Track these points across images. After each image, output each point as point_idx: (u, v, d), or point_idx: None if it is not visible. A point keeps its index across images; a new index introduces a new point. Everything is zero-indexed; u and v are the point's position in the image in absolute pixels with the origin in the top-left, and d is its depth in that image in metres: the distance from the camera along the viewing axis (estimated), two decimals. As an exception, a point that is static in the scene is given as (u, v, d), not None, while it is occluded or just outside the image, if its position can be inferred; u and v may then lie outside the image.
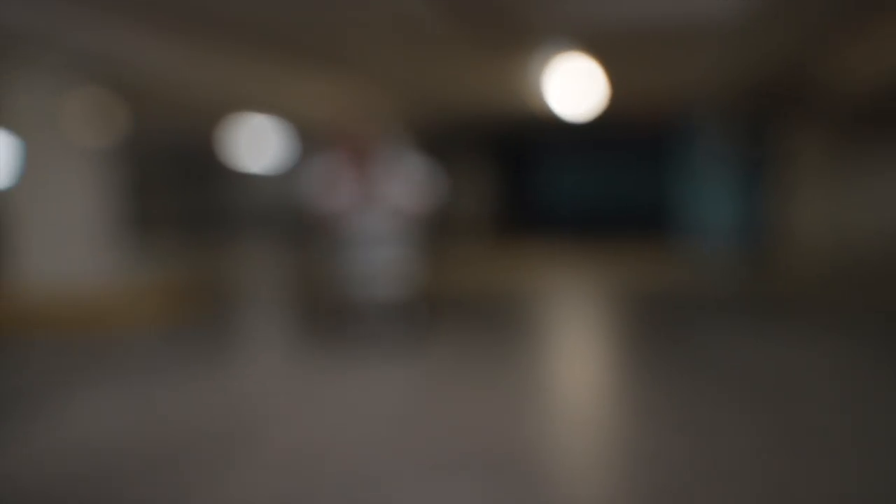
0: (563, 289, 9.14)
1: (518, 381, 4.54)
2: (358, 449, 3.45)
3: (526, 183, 18.03)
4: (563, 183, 17.81)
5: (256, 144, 16.87)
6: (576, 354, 5.46)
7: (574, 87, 10.14)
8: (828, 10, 7.46)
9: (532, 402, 4.15)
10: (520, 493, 2.86)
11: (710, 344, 5.40)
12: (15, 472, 3.31)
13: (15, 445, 3.65)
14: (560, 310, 7.65)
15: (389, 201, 5.03)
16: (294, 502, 2.86)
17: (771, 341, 5.41)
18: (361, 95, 10.97)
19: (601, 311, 7.49)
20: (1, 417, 4.15)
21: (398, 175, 5.23)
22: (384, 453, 3.35)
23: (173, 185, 18.38)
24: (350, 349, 4.98)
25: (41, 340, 6.16)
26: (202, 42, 7.55)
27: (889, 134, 11.48)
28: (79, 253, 6.77)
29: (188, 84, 9.03)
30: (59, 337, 6.27)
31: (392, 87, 11.07)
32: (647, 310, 7.11)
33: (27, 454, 3.53)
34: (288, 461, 3.31)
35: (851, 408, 3.83)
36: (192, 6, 6.49)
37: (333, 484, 3.04)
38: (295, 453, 3.41)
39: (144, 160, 16.32)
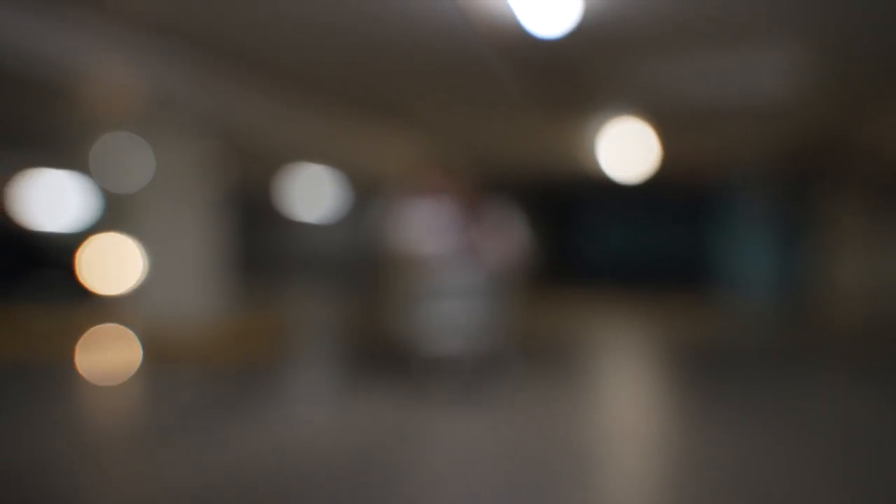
0: (616, 338, 9.76)
1: (598, 426, 5.14)
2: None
3: (576, 238, 18.84)
4: (611, 239, 18.59)
5: (313, 192, 17.87)
6: (637, 398, 6.07)
7: (628, 151, 10.99)
8: (869, 85, 8.24)
9: (608, 437, 4.83)
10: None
11: (761, 392, 6.00)
12: (247, 464, 4.00)
13: (237, 445, 4.32)
14: (618, 358, 8.25)
15: (490, 253, 5.02)
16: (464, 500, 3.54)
17: (808, 387, 6.02)
18: (426, 149, 11.90)
19: (655, 359, 8.07)
20: (205, 425, 4.86)
21: (500, 227, 5.22)
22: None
23: (241, 231, 19.29)
24: (442, 396, 5.07)
25: (167, 370, 6.91)
26: (293, 99, 8.54)
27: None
28: (195, 292, 7.60)
29: (276, 137, 9.93)
30: (176, 368, 7.01)
31: (458, 142, 12.02)
32: (700, 359, 7.71)
33: (248, 452, 4.20)
34: (442, 474, 3.96)
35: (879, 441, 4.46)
36: (287, 69, 7.48)
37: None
38: (444, 471, 4.06)
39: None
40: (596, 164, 12.62)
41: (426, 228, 5.12)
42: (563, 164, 14.06)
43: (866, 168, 11.35)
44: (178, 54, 6.64)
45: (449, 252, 5.02)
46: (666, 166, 13.27)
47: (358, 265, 19.25)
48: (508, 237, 5.09)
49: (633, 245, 18.44)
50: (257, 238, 19.20)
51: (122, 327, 7.90)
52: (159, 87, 7.02)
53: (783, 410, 5.28)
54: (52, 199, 12.62)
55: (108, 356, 7.32)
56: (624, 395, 6.07)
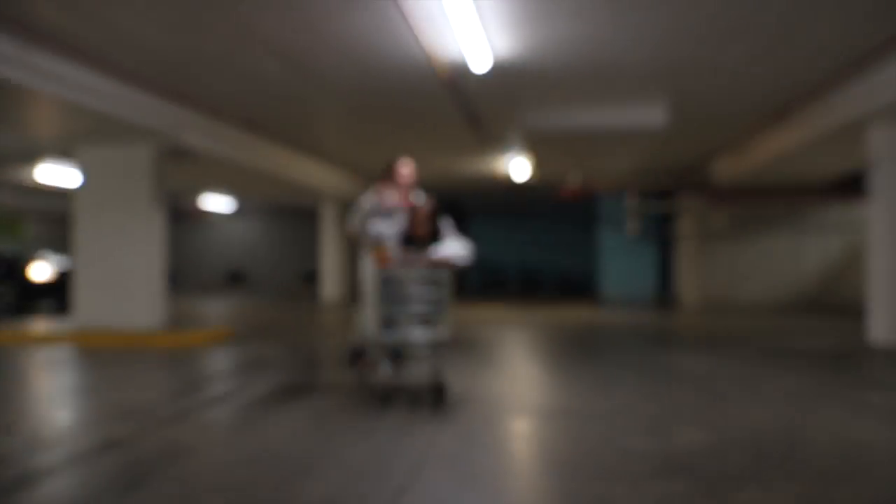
0: (523, 329, 11.34)
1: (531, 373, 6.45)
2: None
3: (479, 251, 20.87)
4: (509, 250, 20.77)
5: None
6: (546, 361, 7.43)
7: (524, 170, 13.05)
8: (717, 129, 10.39)
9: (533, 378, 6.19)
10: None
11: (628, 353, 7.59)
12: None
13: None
14: (528, 341, 9.63)
15: (438, 252, 5.14)
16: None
17: (702, 361, 7.69)
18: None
19: (559, 340, 9.52)
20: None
21: (447, 228, 5.38)
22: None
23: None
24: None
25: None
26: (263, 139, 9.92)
27: (748, 223, 14.93)
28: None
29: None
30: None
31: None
32: (594, 334, 9.43)
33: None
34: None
35: (699, 377, 6.04)
36: (268, 120, 8.89)
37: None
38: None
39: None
40: (502, 177, 14.72)
41: (384, 216, 5.29)
42: (474, 181, 15.83)
43: (712, 194, 13.72)
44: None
45: (399, 240, 5.26)
46: (552, 186, 15.38)
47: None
48: (453, 238, 5.32)
49: (531, 255, 20.67)
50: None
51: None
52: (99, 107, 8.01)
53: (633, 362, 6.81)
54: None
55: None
56: (531, 361, 7.44)
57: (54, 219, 20.71)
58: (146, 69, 7.36)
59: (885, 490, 3.14)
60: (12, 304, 11.94)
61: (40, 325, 9.52)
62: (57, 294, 12.19)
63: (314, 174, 13.65)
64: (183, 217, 21.80)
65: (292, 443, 3.87)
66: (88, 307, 8.92)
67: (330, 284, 17.25)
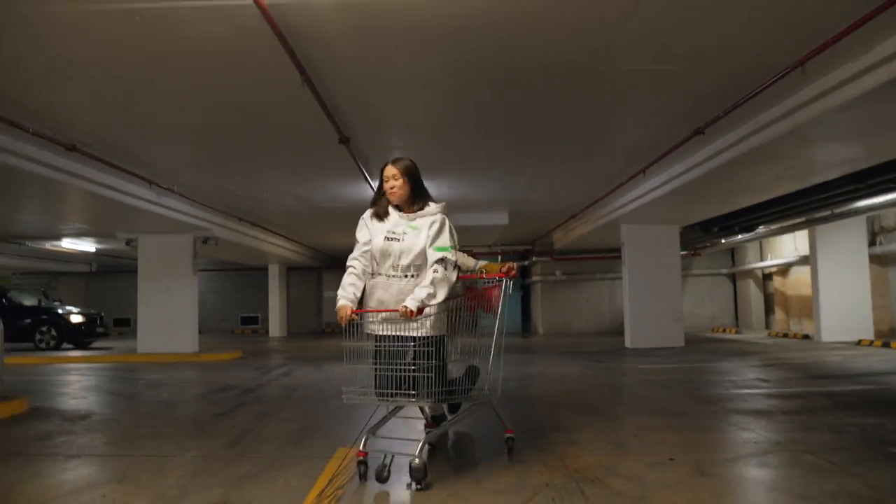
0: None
1: None
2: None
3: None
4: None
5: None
6: None
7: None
8: (542, 223, 16.40)
9: None
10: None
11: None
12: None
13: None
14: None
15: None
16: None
17: (539, 357, 13.32)
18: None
19: None
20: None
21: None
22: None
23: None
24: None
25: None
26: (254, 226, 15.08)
27: (578, 273, 21.20)
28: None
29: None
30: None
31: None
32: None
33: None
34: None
35: (558, 362, 11.74)
36: (259, 215, 14.03)
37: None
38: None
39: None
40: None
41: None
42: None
43: (553, 254, 19.93)
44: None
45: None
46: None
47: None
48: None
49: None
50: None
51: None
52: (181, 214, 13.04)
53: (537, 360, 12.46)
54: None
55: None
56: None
57: (75, 277, 25.98)
58: (192, 194, 12.52)
59: (578, 386, 8.86)
60: (52, 340, 16.49)
61: (114, 349, 14.24)
62: (86, 332, 16.86)
63: (277, 243, 18.84)
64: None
65: (326, 374, 9.23)
66: (149, 339, 13.77)
67: (273, 324, 22.51)
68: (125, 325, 25.40)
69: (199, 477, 4.16)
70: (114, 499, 3.76)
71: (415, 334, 3.92)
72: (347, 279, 4.09)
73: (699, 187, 10.11)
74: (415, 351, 3.92)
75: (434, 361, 3.87)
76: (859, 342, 13.62)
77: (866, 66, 5.44)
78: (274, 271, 22.90)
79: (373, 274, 4.12)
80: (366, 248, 4.13)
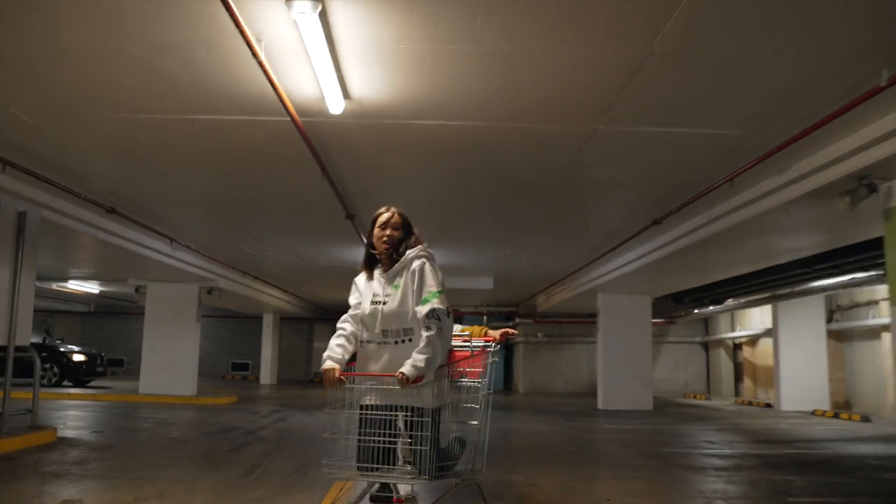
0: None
1: None
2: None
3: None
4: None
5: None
6: None
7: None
8: (526, 288, 17.49)
9: None
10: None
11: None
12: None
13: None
14: None
15: None
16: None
17: (517, 414, 14.20)
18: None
19: None
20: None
21: None
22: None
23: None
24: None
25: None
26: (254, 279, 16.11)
27: (559, 336, 22.25)
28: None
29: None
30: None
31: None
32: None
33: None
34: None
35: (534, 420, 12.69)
36: (257, 267, 15.08)
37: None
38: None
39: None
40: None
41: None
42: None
43: (531, 316, 21.02)
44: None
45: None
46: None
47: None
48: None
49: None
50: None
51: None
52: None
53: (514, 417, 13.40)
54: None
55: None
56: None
57: (72, 316, 26.88)
58: (196, 244, 13.57)
59: (546, 441, 9.80)
60: (54, 377, 17.28)
61: (112, 389, 15.07)
62: (86, 371, 17.67)
63: (274, 294, 19.82)
64: (140, 313, 27.01)
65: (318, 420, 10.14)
66: (151, 381, 14.63)
67: (265, 371, 23.32)
68: (118, 366, 26.09)
69: (223, 498, 5.11)
70: (161, 508, 4.72)
71: (410, 404, 3.59)
72: (336, 340, 3.81)
73: (665, 265, 11.25)
74: (407, 421, 3.59)
75: (429, 434, 3.54)
76: (814, 412, 14.63)
77: (785, 182, 6.62)
78: (268, 320, 23.80)
79: (362, 342, 3.82)
80: (355, 311, 3.86)
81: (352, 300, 3.92)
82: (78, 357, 17.62)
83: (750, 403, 17.51)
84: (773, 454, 8.26)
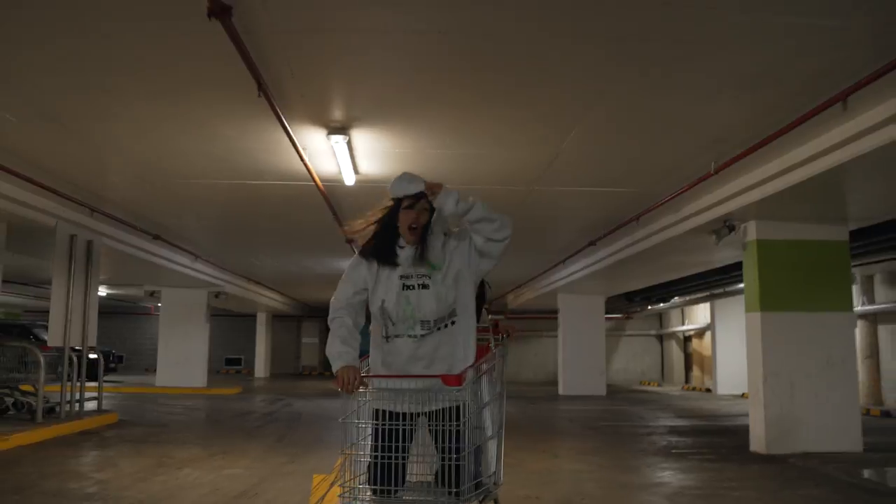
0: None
1: None
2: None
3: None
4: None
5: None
6: None
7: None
8: (500, 283, 19.65)
9: None
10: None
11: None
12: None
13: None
14: None
15: None
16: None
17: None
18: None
19: None
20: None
21: None
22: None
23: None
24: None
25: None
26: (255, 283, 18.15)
27: (528, 330, 24.45)
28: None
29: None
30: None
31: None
32: None
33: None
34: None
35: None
36: (259, 273, 17.10)
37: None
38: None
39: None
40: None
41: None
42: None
43: (503, 312, 23.22)
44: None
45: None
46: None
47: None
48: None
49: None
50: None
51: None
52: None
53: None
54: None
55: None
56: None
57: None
58: (213, 258, 15.58)
59: (511, 419, 11.99)
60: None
61: (124, 382, 17.07)
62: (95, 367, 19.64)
63: (270, 296, 21.84)
64: (138, 312, 28.89)
65: (319, 406, 12.22)
66: (167, 374, 16.64)
67: (259, 365, 25.48)
68: (118, 362, 27.92)
69: (269, 452, 7.22)
70: (230, 458, 6.81)
71: (450, 404, 2.90)
72: (340, 331, 3.07)
73: (607, 273, 13.45)
74: (439, 430, 2.88)
75: (468, 444, 2.84)
76: (742, 395, 16.99)
77: (678, 220, 8.83)
78: (262, 318, 25.84)
79: (387, 337, 3.05)
80: (355, 298, 3.15)
81: (349, 289, 3.15)
82: (92, 354, 19.57)
83: (694, 389, 19.87)
84: (684, 425, 10.52)
